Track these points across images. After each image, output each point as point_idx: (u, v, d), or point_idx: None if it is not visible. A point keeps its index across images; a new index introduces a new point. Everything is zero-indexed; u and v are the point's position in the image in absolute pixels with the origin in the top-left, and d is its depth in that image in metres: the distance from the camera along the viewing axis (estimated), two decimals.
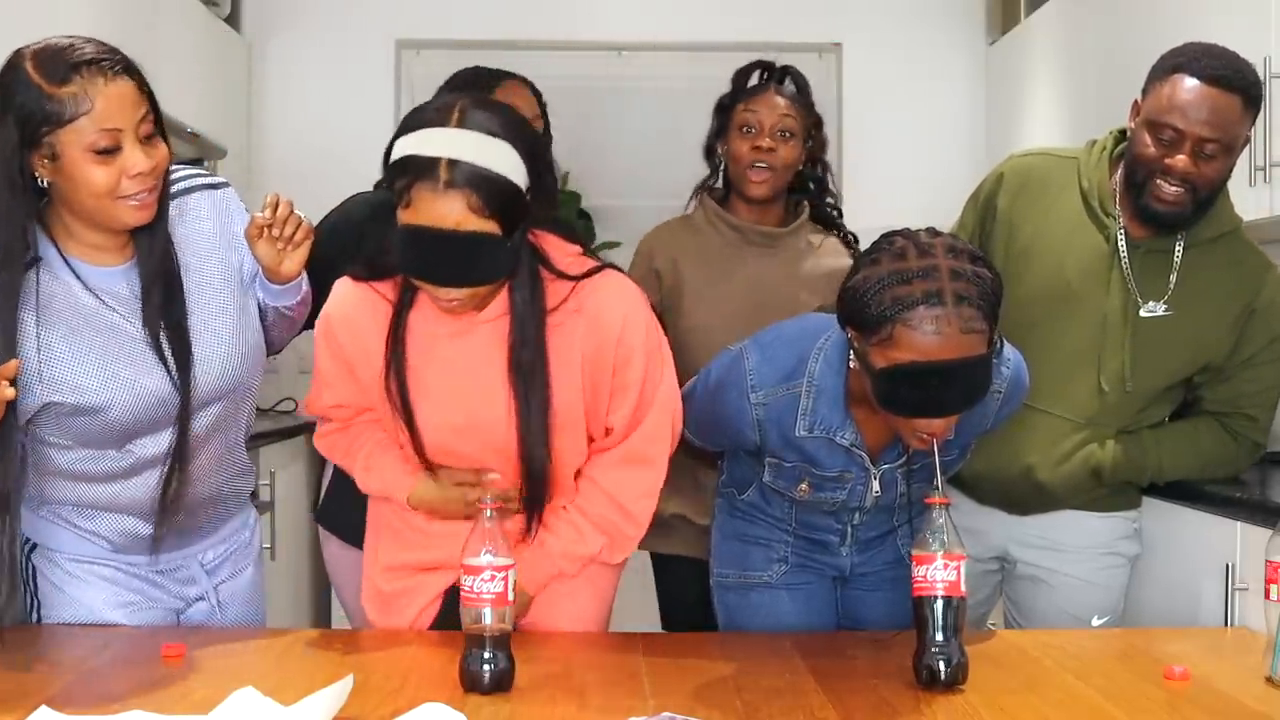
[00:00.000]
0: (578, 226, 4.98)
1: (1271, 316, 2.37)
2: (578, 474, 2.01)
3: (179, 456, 1.94)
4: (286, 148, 4.79)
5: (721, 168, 2.79)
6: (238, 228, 2.01)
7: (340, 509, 2.51)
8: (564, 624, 2.02)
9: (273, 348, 2.15)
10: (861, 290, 1.81)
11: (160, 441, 1.95)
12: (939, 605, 1.67)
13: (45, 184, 1.83)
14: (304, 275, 2.04)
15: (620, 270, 2.02)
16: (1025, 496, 2.42)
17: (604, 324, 1.92)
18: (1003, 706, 1.61)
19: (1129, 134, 2.31)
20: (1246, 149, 2.79)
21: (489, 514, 1.66)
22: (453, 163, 1.76)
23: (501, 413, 1.91)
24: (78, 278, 1.89)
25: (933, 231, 1.84)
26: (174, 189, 1.98)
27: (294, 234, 1.95)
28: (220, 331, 1.97)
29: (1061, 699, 1.65)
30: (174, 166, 1.99)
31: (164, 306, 1.92)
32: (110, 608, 2.02)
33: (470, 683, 1.65)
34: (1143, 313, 2.33)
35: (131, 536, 2.01)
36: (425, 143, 1.79)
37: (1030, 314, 2.30)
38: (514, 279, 1.89)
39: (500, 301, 1.91)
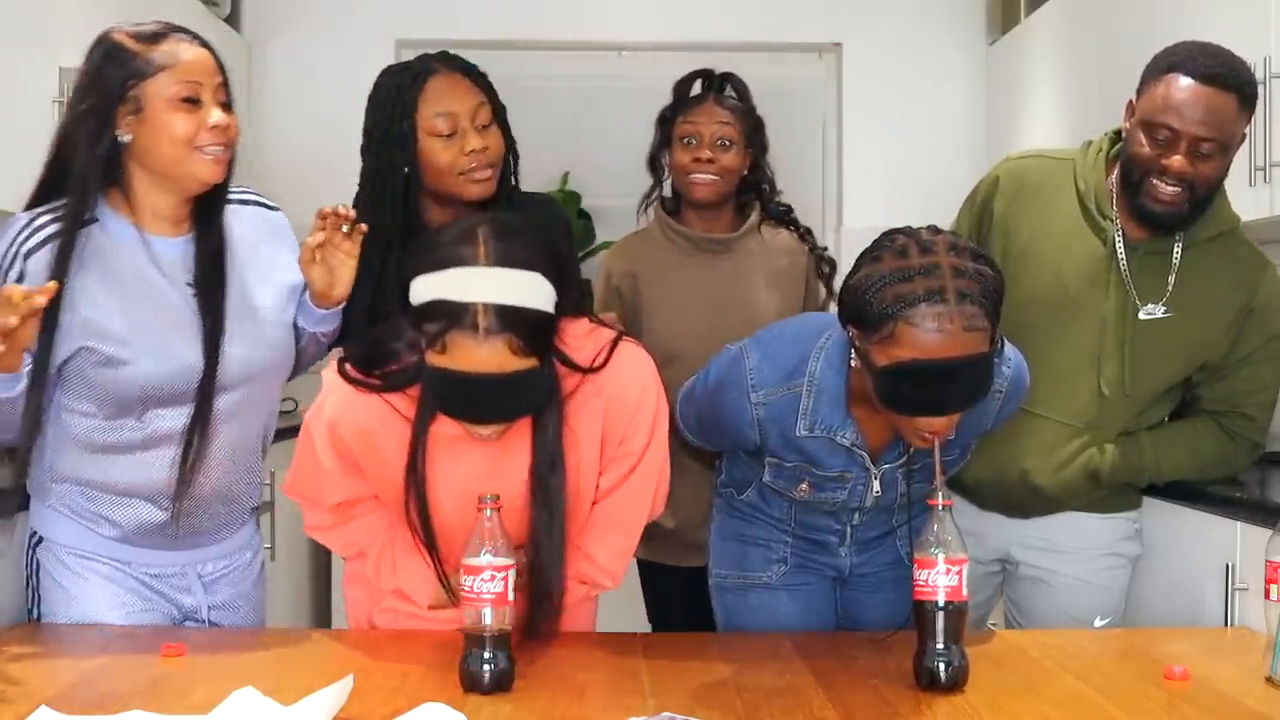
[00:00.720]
0: (577, 227, 4.99)
1: (1269, 315, 2.37)
2: None
3: (200, 426, 1.98)
4: (286, 148, 4.79)
5: (665, 179, 2.83)
6: (285, 249, 2.12)
7: None
8: None
9: (299, 368, 2.21)
10: (863, 288, 1.79)
11: (179, 416, 1.99)
12: (940, 610, 1.67)
13: (126, 140, 1.94)
14: (337, 316, 2.12)
15: (629, 336, 1.96)
16: (1024, 501, 2.42)
17: (623, 401, 1.90)
18: (1003, 707, 1.61)
19: (1124, 134, 2.30)
20: (1246, 149, 2.80)
21: (489, 514, 1.66)
22: (489, 307, 1.69)
23: (519, 514, 1.85)
24: (138, 238, 1.98)
25: (934, 229, 1.83)
26: (234, 196, 2.09)
27: (350, 231, 2.01)
28: (254, 317, 2.05)
29: (1061, 699, 1.65)
30: (238, 186, 2.11)
31: (208, 280, 2.00)
32: (109, 608, 2.03)
33: (470, 683, 1.65)
34: (1142, 315, 2.32)
35: (140, 526, 2.03)
36: (456, 286, 1.70)
37: (1028, 317, 2.29)
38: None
39: None
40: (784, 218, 2.86)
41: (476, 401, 1.75)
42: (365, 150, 2.43)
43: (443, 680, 1.68)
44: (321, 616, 4.27)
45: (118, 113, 1.93)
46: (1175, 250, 2.33)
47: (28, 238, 1.95)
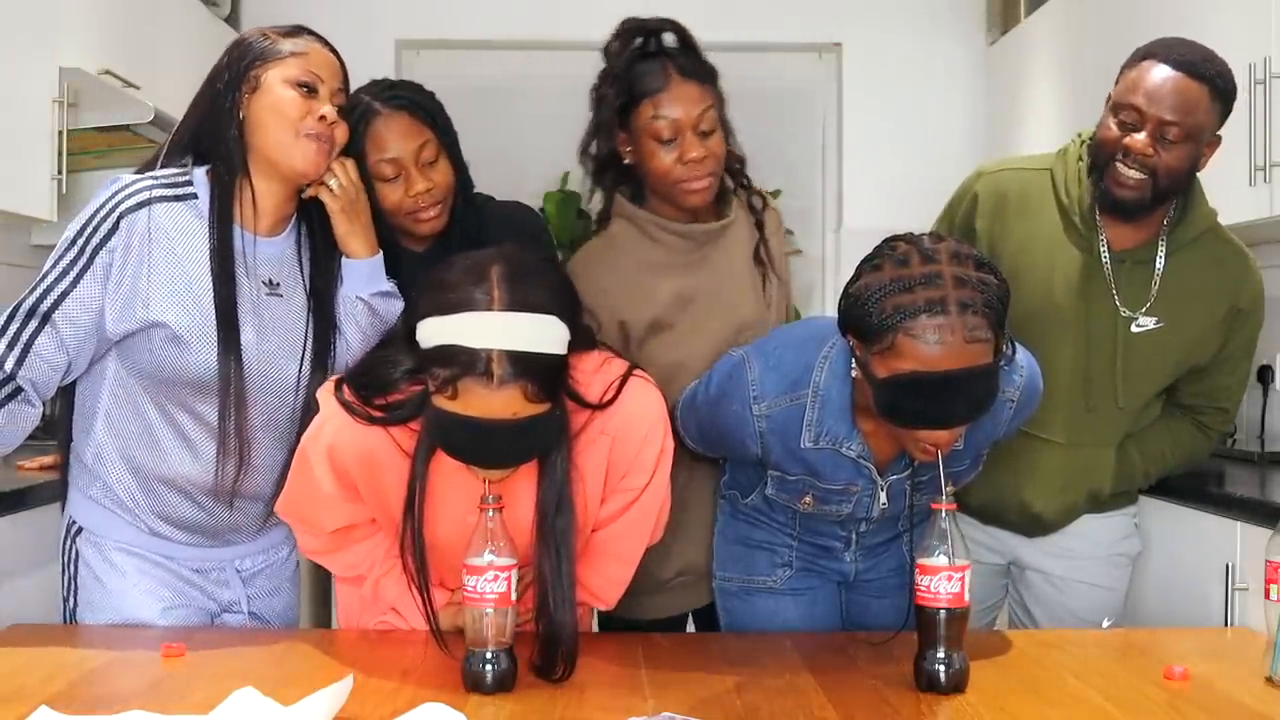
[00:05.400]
0: (577, 228, 4.98)
1: (1253, 314, 2.37)
2: None
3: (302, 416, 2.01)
4: None
5: (618, 175, 2.29)
6: None
7: None
8: None
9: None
10: (863, 297, 1.74)
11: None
12: (941, 616, 1.66)
13: (240, 117, 1.99)
14: (382, 275, 2.13)
15: (639, 370, 1.91)
16: (1026, 525, 2.42)
17: (629, 439, 1.88)
18: (1003, 707, 1.61)
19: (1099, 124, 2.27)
20: (1246, 149, 2.80)
21: (491, 514, 1.65)
22: (504, 354, 1.64)
23: (523, 552, 1.78)
24: (245, 240, 2.02)
25: (937, 236, 1.78)
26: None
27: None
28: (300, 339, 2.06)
29: (1061, 699, 1.65)
30: None
31: (321, 284, 2.08)
32: (146, 604, 2.03)
33: (473, 682, 1.65)
34: (1134, 329, 2.31)
35: (181, 520, 2.04)
36: (469, 332, 1.65)
37: (1023, 334, 2.12)
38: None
39: None
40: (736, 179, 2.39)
41: (487, 447, 1.71)
42: None
43: (443, 680, 1.68)
44: (321, 616, 4.27)
45: (239, 91, 1.98)
46: (1159, 257, 2.30)
47: (126, 198, 1.96)
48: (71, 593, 2.06)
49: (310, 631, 2.50)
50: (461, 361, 1.64)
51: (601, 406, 1.83)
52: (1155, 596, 2.56)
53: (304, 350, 2.04)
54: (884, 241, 1.80)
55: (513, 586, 1.65)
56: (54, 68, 3.23)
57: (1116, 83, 2.24)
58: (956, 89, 5.03)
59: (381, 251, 2.14)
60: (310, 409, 1.93)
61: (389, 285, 2.13)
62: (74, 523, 2.07)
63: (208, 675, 1.70)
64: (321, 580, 4.22)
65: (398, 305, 2.12)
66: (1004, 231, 2.36)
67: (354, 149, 2.25)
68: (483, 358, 1.63)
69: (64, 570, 2.08)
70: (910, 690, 1.68)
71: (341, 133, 2.04)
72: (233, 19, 4.78)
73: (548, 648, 1.74)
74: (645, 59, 2.25)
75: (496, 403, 1.65)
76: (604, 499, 1.92)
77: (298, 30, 2.04)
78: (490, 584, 1.63)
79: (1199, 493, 2.50)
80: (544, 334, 1.68)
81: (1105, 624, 2.40)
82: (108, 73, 3.44)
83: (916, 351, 1.69)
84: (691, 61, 2.24)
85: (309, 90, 1.99)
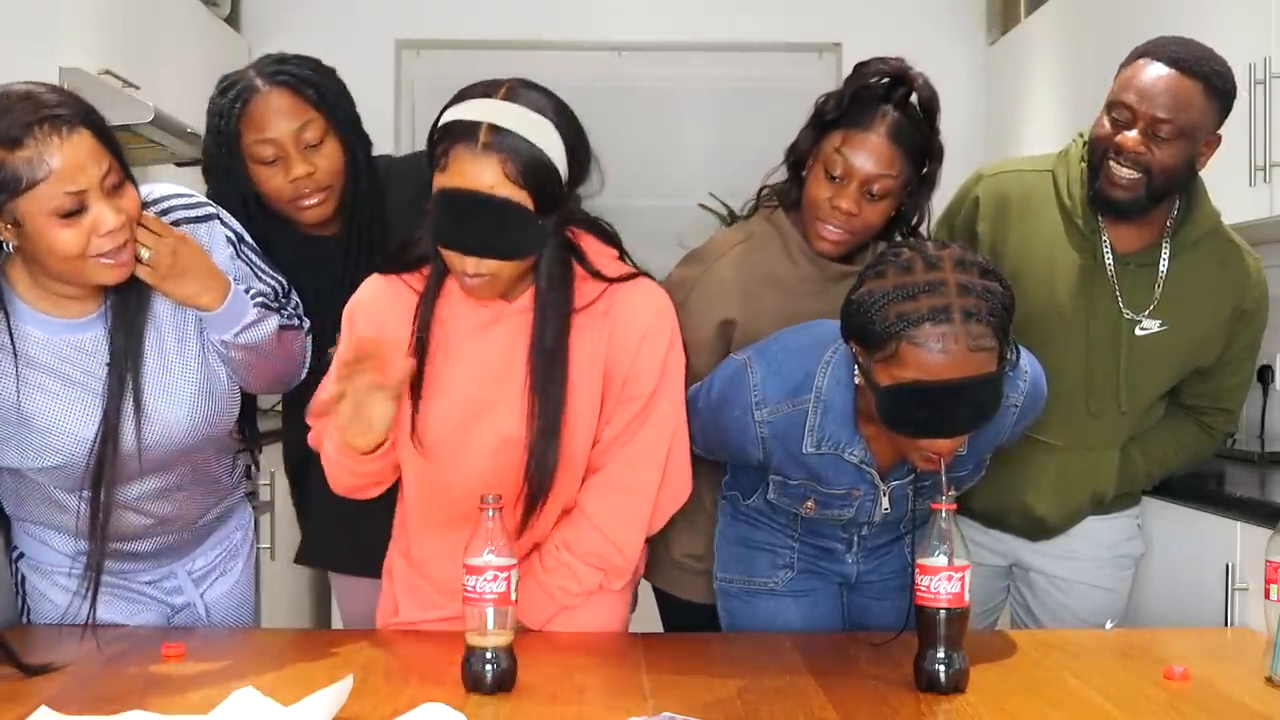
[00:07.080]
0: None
1: (1257, 315, 2.36)
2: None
3: (98, 520, 1.84)
4: None
5: (799, 182, 2.24)
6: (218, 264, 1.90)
7: (323, 543, 2.46)
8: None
9: (257, 389, 2.04)
10: (866, 305, 1.74)
11: (125, 491, 1.91)
12: (942, 616, 1.66)
13: (10, 248, 1.74)
14: (250, 309, 1.90)
15: (653, 279, 1.97)
16: (1029, 529, 2.41)
17: (626, 334, 1.89)
18: (1003, 707, 1.61)
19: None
20: (1246, 149, 2.80)
21: (490, 514, 1.65)
22: (493, 128, 1.76)
23: (515, 403, 1.86)
24: (45, 324, 1.82)
25: (941, 244, 1.77)
26: (158, 211, 1.87)
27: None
28: (181, 392, 1.89)
29: (1061, 699, 1.65)
30: (160, 195, 1.90)
31: (127, 365, 1.83)
32: (100, 615, 2.00)
33: (473, 682, 1.65)
34: (1138, 331, 2.30)
35: (116, 560, 1.99)
36: (469, 110, 1.80)
37: (1025, 338, 2.09)
38: (543, 270, 1.85)
39: (528, 295, 1.88)
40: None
41: (462, 221, 1.79)
42: (205, 173, 2.25)
43: (443, 680, 1.68)
44: (321, 616, 4.27)
45: None
46: (1162, 260, 2.29)
47: None
48: (25, 613, 2.03)
49: (310, 632, 2.51)
50: (455, 132, 1.78)
51: (607, 279, 1.90)
52: (1156, 597, 2.56)
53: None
54: (887, 248, 1.80)
55: (512, 586, 1.65)
56: (54, 67, 3.23)
57: (1112, 83, 2.23)
58: (956, 89, 5.01)
59: (234, 288, 1.88)
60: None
61: (253, 314, 1.90)
62: (15, 547, 2.01)
63: (208, 675, 1.71)
64: (322, 579, 4.23)
65: (271, 324, 1.94)
66: (1006, 234, 2.34)
67: (230, 135, 2.13)
68: (474, 127, 1.77)
69: (16, 591, 2.04)
70: (910, 690, 1.68)
71: (130, 207, 1.74)
72: (233, 19, 4.78)
73: (530, 477, 1.86)
74: (877, 98, 2.13)
75: (476, 169, 1.76)
76: (609, 412, 1.91)
77: (24, 133, 1.65)
78: (490, 584, 1.63)
79: (1199, 493, 2.50)
80: (535, 126, 1.79)
81: (1108, 626, 2.40)
82: (108, 73, 3.44)
83: (920, 360, 1.69)
84: (910, 130, 2.12)
85: (78, 213, 1.69)
